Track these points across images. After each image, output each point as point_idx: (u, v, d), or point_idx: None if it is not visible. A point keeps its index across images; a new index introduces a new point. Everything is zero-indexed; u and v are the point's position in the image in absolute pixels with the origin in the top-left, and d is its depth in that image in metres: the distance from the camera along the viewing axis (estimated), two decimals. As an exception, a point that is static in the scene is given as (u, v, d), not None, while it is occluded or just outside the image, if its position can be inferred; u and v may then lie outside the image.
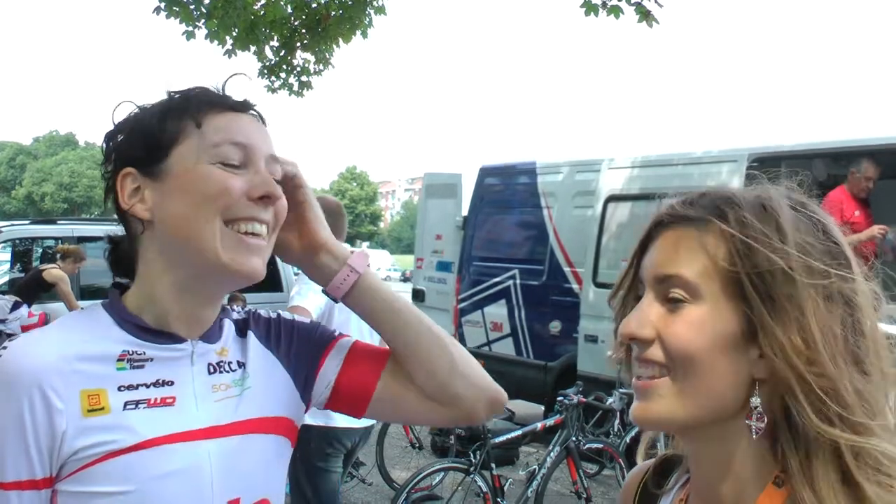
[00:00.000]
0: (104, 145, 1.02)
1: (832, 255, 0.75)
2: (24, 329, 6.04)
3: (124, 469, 0.90)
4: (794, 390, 0.71)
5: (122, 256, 1.04)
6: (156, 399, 0.95)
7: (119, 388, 0.93)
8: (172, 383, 0.97)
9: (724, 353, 0.74)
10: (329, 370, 1.10)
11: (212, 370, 1.02)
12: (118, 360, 0.94)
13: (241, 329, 1.10)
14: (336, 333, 1.15)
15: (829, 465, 0.72)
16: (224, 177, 0.94)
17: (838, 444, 0.71)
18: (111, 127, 1.02)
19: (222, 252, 0.94)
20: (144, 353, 0.96)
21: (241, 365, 1.06)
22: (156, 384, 0.96)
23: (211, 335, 1.03)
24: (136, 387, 0.94)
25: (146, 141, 0.97)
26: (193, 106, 0.98)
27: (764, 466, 0.77)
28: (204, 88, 1.01)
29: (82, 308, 1.04)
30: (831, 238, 0.77)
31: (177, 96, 1.00)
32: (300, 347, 1.12)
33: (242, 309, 1.14)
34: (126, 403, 0.93)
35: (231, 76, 1.04)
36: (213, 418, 0.99)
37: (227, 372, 1.04)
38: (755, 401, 0.75)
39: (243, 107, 1.01)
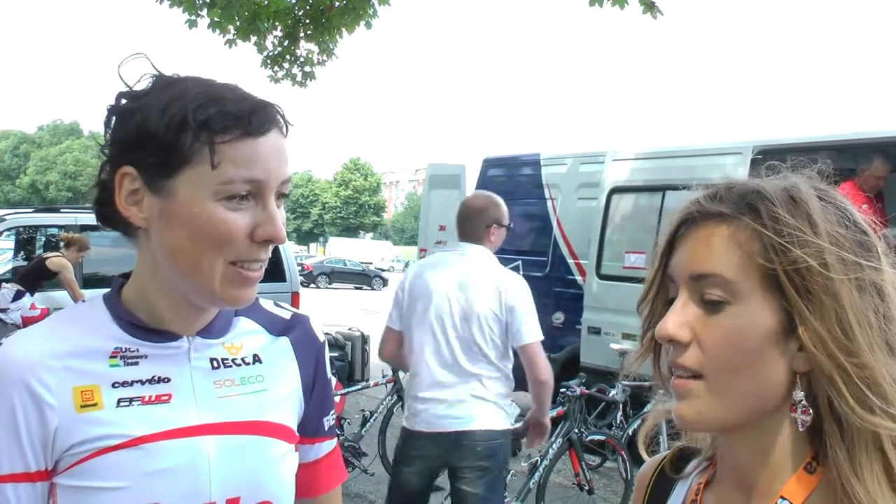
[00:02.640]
0: (108, 122, 0.94)
1: (863, 245, 0.75)
2: (25, 320, 6.06)
3: (117, 465, 0.89)
4: (836, 381, 0.71)
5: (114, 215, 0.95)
6: (151, 396, 0.94)
7: (113, 385, 0.92)
8: (169, 380, 0.96)
9: (765, 352, 0.74)
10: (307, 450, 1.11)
11: (216, 365, 1.00)
12: (111, 356, 0.94)
13: (279, 328, 1.08)
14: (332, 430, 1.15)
15: (872, 455, 0.72)
16: (230, 218, 0.90)
17: (880, 435, 0.71)
18: (119, 101, 0.93)
19: (219, 287, 0.92)
20: (138, 350, 0.95)
21: (258, 360, 1.04)
22: (151, 381, 0.94)
23: (212, 330, 1.01)
24: (131, 383, 0.93)
25: (154, 150, 0.89)
26: (213, 127, 0.89)
27: (797, 451, 0.77)
28: (222, 105, 0.89)
29: (85, 298, 1.04)
30: (860, 228, 0.76)
31: (193, 106, 0.89)
32: (317, 397, 1.11)
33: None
34: (119, 400, 0.92)
35: (256, 107, 0.91)
36: (215, 415, 0.97)
37: (237, 366, 1.01)
38: (798, 394, 0.75)
39: (267, 128, 0.91)
